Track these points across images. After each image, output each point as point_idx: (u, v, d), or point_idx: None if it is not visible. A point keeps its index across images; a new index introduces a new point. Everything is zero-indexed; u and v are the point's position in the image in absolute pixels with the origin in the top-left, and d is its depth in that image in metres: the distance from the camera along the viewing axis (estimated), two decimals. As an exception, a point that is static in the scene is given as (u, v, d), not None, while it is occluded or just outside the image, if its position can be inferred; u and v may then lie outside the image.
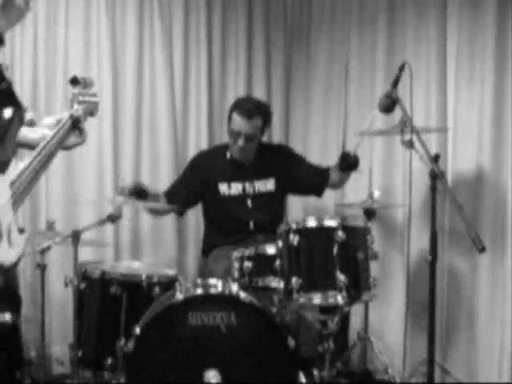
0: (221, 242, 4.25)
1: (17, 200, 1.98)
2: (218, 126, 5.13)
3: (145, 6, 4.95)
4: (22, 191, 2.00)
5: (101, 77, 4.74)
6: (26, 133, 2.30)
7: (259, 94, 5.14)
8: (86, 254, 4.27)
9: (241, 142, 4.16)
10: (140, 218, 4.83)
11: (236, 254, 3.56)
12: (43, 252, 3.75)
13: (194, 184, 4.30)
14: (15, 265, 2.07)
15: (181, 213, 4.39)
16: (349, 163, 4.13)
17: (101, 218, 3.75)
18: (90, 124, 4.29)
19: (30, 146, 2.30)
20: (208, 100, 5.13)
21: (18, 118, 1.90)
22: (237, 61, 5.30)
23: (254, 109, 4.19)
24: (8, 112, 1.83)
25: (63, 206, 4.55)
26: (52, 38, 4.64)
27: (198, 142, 5.07)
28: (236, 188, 4.27)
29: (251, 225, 4.22)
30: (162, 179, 4.84)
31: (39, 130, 2.37)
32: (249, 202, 4.25)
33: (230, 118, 4.21)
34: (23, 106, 1.97)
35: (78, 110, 2.40)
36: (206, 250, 4.36)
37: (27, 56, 4.55)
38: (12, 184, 1.95)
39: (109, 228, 4.59)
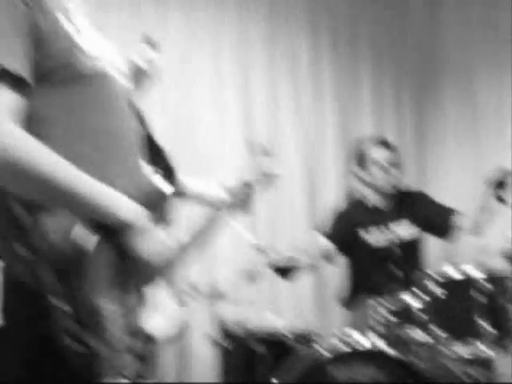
0: (362, 292, 4.19)
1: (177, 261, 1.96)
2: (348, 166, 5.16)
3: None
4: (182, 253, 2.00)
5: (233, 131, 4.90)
6: (202, 188, 2.29)
7: (390, 134, 5.16)
8: (226, 312, 4.32)
9: (392, 171, 4.14)
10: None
11: (375, 304, 3.51)
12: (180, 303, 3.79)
13: (339, 238, 4.22)
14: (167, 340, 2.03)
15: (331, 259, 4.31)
16: None
17: (240, 275, 3.78)
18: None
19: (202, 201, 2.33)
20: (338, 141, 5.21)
21: (172, 183, 1.92)
22: (364, 98, 5.35)
23: (387, 139, 4.29)
24: (166, 187, 1.86)
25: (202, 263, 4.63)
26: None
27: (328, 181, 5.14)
28: (381, 238, 4.21)
29: (399, 274, 4.11)
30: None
31: (214, 189, 2.34)
32: (397, 251, 4.14)
33: (364, 157, 4.18)
34: (174, 170, 2.00)
35: (247, 194, 2.36)
36: (348, 300, 4.31)
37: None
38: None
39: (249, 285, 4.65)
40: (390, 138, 4.88)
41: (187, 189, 2.13)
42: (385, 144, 4.22)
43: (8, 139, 1.49)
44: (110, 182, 1.63)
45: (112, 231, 1.60)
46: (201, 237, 2.15)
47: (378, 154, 4.15)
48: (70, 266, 1.53)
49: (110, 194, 1.61)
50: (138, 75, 2.67)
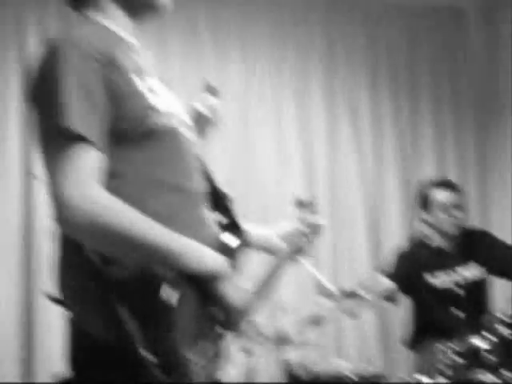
0: (428, 334, 4.14)
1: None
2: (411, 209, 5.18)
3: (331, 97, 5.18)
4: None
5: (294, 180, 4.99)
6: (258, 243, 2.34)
7: (452, 176, 5.15)
8: (292, 356, 4.32)
9: (456, 213, 4.11)
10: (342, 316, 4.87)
11: (442, 347, 3.47)
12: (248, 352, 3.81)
13: (402, 279, 4.17)
14: None
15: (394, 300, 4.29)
16: None
17: (303, 320, 3.78)
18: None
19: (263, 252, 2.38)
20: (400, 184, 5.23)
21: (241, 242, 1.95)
22: (425, 140, 5.36)
23: (451, 180, 4.30)
24: (232, 241, 1.89)
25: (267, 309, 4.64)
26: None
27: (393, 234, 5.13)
28: (445, 279, 4.14)
29: (461, 315, 4.05)
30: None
31: (271, 233, 2.40)
32: (461, 292, 4.12)
33: (427, 199, 4.16)
34: (243, 229, 2.01)
35: (303, 241, 2.39)
36: (413, 342, 4.26)
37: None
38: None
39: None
40: (453, 179, 4.87)
41: (250, 237, 2.16)
42: (449, 185, 4.20)
43: (96, 205, 1.54)
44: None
45: (196, 281, 1.64)
46: (266, 284, 2.17)
47: (442, 195, 4.12)
48: (156, 320, 1.57)
49: (196, 246, 1.66)
50: (201, 122, 2.72)
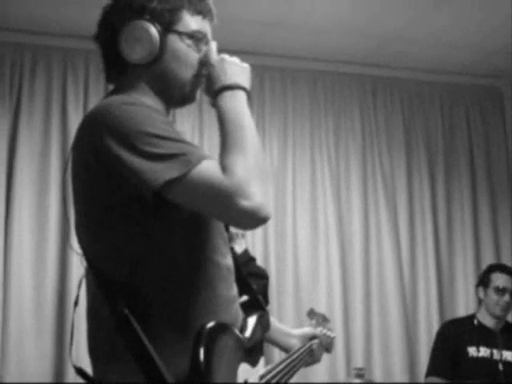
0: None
1: None
2: (448, 295, 5.16)
3: (368, 178, 5.19)
4: None
5: (329, 255, 4.98)
6: (278, 335, 2.37)
7: (488, 259, 5.15)
8: None
9: (507, 297, 4.18)
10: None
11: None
12: None
13: (447, 354, 4.24)
14: None
15: None
16: None
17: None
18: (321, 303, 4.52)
19: (279, 347, 2.40)
20: (436, 271, 5.19)
21: (263, 324, 1.95)
22: (463, 228, 5.33)
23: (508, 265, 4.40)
24: (253, 319, 1.89)
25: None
26: (281, 221, 4.95)
27: (428, 316, 5.10)
28: (484, 351, 4.18)
29: None
30: (393, 357, 4.88)
31: (290, 338, 2.44)
32: (500, 366, 4.11)
33: (486, 280, 4.28)
34: (267, 310, 2.02)
35: (315, 343, 2.47)
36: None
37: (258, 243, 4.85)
38: (262, 377, 1.99)
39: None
40: (487, 262, 4.85)
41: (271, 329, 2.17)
42: (505, 270, 4.33)
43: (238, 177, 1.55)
44: (206, 308, 1.67)
45: None
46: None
47: (499, 278, 4.24)
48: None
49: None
50: None
